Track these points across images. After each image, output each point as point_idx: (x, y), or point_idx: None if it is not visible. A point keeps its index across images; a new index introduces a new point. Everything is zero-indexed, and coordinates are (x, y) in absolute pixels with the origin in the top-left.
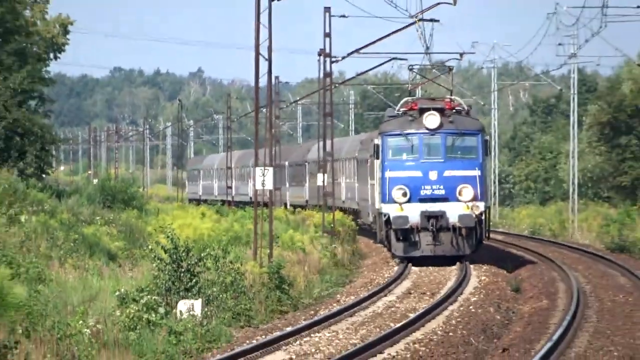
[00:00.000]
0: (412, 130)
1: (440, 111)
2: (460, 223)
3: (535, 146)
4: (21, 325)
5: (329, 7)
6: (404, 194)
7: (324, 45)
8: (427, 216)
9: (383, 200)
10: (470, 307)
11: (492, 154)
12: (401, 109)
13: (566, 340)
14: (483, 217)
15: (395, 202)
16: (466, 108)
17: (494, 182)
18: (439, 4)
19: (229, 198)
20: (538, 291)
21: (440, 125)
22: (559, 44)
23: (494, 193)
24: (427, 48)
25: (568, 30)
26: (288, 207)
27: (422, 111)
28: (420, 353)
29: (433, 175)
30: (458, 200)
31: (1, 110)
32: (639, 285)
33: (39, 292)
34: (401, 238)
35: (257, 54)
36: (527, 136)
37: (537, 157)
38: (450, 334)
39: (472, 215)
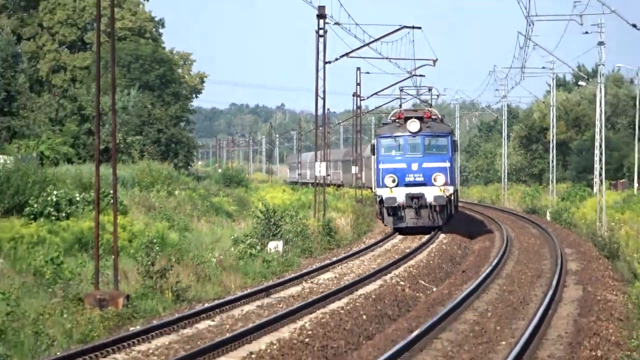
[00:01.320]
0: (399, 133)
1: (420, 119)
2: (435, 202)
3: (481, 150)
4: (174, 257)
5: (359, 67)
6: (393, 181)
7: (356, 90)
8: (410, 197)
9: (377, 185)
10: (443, 247)
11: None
12: (391, 118)
13: (500, 265)
14: (452, 197)
15: (386, 186)
16: (440, 117)
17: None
18: (424, 65)
19: (304, 180)
20: (483, 237)
21: (420, 129)
22: (496, 90)
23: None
24: (417, 91)
25: (501, 81)
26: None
27: (407, 119)
28: (413, 273)
29: (415, 166)
30: (433, 185)
31: (165, 128)
32: (542, 233)
33: (185, 237)
34: (391, 213)
35: (317, 96)
36: (477, 144)
37: (482, 157)
38: (431, 261)
39: (444, 196)
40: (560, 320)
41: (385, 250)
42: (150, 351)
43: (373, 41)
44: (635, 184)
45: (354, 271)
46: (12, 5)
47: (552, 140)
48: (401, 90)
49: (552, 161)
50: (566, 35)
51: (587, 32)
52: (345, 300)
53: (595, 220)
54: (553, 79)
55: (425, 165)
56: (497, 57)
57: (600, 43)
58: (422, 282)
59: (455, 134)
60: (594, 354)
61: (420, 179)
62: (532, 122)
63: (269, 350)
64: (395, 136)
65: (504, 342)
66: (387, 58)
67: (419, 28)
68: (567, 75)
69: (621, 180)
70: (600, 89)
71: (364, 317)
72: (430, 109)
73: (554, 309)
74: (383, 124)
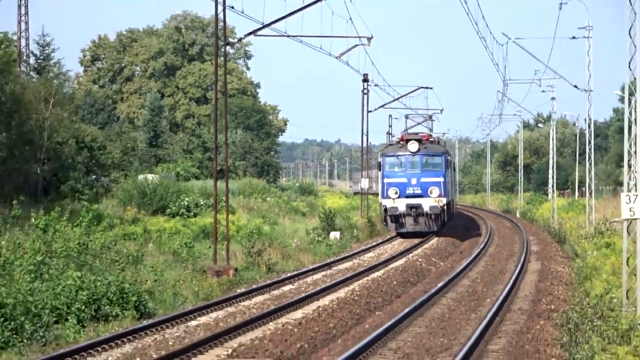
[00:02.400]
0: (401, 153)
1: (419, 141)
2: (430, 211)
3: (473, 170)
4: (267, 242)
5: (391, 114)
6: (396, 193)
7: (389, 130)
8: (410, 207)
9: (382, 197)
10: (447, 234)
11: (455, 170)
12: (396, 139)
13: (485, 248)
14: (446, 207)
15: (390, 198)
16: (437, 139)
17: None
18: (435, 113)
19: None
20: (474, 228)
21: (419, 150)
22: (482, 130)
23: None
24: (430, 129)
25: (486, 124)
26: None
27: (408, 140)
28: (427, 253)
29: (414, 181)
30: (429, 197)
31: (260, 156)
32: (513, 226)
33: (274, 229)
34: (394, 220)
35: (362, 134)
36: (469, 166)
37: (473, 175)
38: (439, 245)
39: (438, 206)
40: (526, 285)
41: (405, 241)
42: (251, 305)
43: (399, 97)
44: (576, 194)
45: (387, 252)
46: (158, 74)
47: (520, 164)
48: (407, 117)
49: (520, 178)
50: (530, 92)
51: (543, 91)
52: (381, 271)
53: (549, 217)
54: (521, 122)
55: (422, 180)
56: (484, 106)
57: (553, 98)
58: (434, 259)
59: (449, 153)
60: (549, 307)
61: (419, 191)
62: (506, 152)
63: (331, 305)
64: (398, 155)
65: (488, 299)
66: (409, 108)
67: (431, 88)
68: (531, 120)
69: (566, 191)
70: (553, 129)
71: (395, 282)
72: (429, 133)
73: (521, 277)
74: (388, 144)
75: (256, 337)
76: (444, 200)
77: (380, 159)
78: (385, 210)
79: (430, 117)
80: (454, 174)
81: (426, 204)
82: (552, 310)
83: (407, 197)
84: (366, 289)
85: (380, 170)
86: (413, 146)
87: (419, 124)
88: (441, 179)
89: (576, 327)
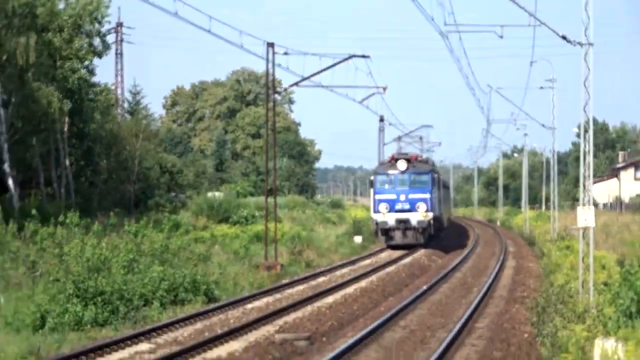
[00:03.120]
0: (391, 171)
1: (408, 160)
2: (418, 225)
3: (463, 190)
4: (305, 244)
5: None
6: (386, 208)
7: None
8: (399, 221)
9: (374, 211)
10: (444, 239)
11: (450, 189)
12: (387, 159)
13: (474, 249)
14: (432, 221)
15: (380, 212)
16: (425, 159)
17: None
18: (433, 146)
19: None
20: (464, 233)
21: (407, 168)
22: (471, 158)
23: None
24: (421, 150)
25: (474, 155)
26: None
27: (397, 160)
28: (429, 252)
29: (402, 197)
30: (417, 211)
31: (301, 178)
32: (495, 232)
33: (311, 234)
34: (384, 234)
35: (378, 163)
36: (461, 186)
37: (464, 193)
38: (438, 247)
39: (425, 220)
40: (504, 277)
41: (393, 252)
42: (294, 293)
43: (408, 132)
44: (543, 207)
45: (398, 252)
46: (223, 115)
47: (500, 185)
48: (399, 138)
49: (500, 195)
50: (507, 130)
51: (518, 129)
52: (393, 266)
53: (522, 225)
54: (501, 153)
55: (411, 196)
56: (472, 139)
57: (525, 134)
58: (434, 257)
59: (437, 172)
60: (522, 294)
61: (407, 206)
62: (490, 175)
63: (354, 292)
64: (388, 173)
65: (475, 288)
66: (416, 141)
67: (431, 126)
68: (508, 150)
69: (536, 205)
70: (525, 158)
71: (403, 275)
72: (418, 153)
73: (501, 271)
74: (380, 163)
75: (297, 317)
76: (430, 215)
77: (372, 177)
78: (377, 224)
79: (421, 138)
80: (446, 191)
81: (414, 218)
82: (525, 297)
83: (397, 211)
84: (382, 280)
85: (371, 187)
86: (402, 165)
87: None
88: (428, 195)
89: (543, 310)
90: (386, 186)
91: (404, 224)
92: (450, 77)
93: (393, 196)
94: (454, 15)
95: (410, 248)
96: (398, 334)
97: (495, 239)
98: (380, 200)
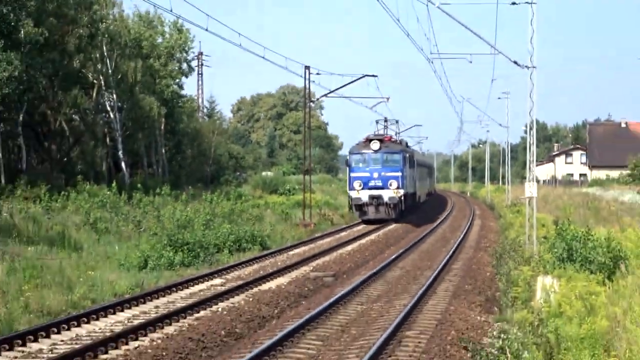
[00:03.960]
0: (365, 151)
1: (381, 140)
2: (389, 201)
3: (443, 170)
4: (331, 209)
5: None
6: (360, 185)
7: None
8: (372, 197)
9: (349, 189)
10: (427, 204)
11: (433, 169)
12: (362, 140)
13: (450, 213)
14: (404, 198)
15: (355, 189)
16: (399, 140)
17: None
18: (423, 139)
19: None
20: (443, 202)
21: (380, 148)
22: (449, 148)
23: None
24: (397, 133)
25: (451, 145)
26: None
27: (371, 140)
28: (407, 222)
29: (376, 175)
30: (389, 188)
31: (328, 162)
32: (466, 200)
33: (335, 201)
34: (358, 209)
35: None
36: (442, 168)
37: (443, 172)
38: (423, 214)
39: (396, 197)
40: (472, 234)
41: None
42: (323, 243)
43: (404, 130)
44: (500, 183)
45: (356, 232)
46: (273, 117)
47: (470, 167)
48: (377, 122)
49: (470, 174)
50: (475, 128)
51: (482, 127)
52: (393, 225)
53: (486, 195)
54: (470, 144)
55: (383, 174)
56: (451, 134)
57: (487, 131)
58: (425, 219)
59: (409, 152)
60: (486, 245)
61: (380, 184)
62: (462, 160)
63: (366, 242)
64: (362, 152)
65: (452, 240)
66: (410, 137)
67: (421, 125)
68: (476, 142)
69: (495, 181)
70: (487, 148)
71: (401, 231)
72: (391, 135)
73: (470, 228)
74: (356, 144)
75: (326, 260)
76: (401, 192)
77: (348, 157)
78: (351, 200)
79: (397, 121)
80: (424, 170)
81: (386, 194)
82: (487, 246)
83: (370, 188)
84: (385, 235)
85: (347, 166)
86: (375, 145)
87: (385, 127)
88: (399, 173)
89: (500, 256)
90: (360, 165)
91: (376, 200)
92: (434, 90)
93: (367, 174)
94: (437, 47)
95: (382, 222)
96: (397, 272)
97: (466, 205)
98: (355, 178)
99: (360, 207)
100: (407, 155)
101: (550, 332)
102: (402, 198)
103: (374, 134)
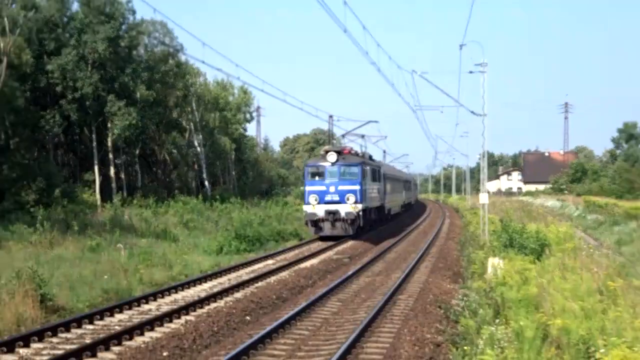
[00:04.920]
0: (321, 163)
1: (338, 153)
2: (346, 216)
3: (423, 185)
4: None
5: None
6: (316, 199)
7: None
8: (328, 212)
9: (305, 203)
10: (411, 208)
11: (411, 183)
12: (321, 152)
13: (429, 214)
14: (362, 213)
15: (310, 204)
16: (357, 152)
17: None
18: (404, 155)
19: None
20: (421, 206)
21: (337, 160)
22: (428, 170)
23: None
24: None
25: (429, 168)
26: None
27: (327, 152)
28: (396, 221)
29: (332, 189)
30: (346, 203)
31: None
32: (441, 206)
33: None
34: (313, 225)
35: None
36: (422, 184)
37: (424, 186)
38: (407, 217)
39: (354, 212)
40: (444, 230)
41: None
42: None
43: (395, 159)
44: (463, 194)
45: (312, 249)
46: (308, 150)
47: (441, 183)
48: (343, 137)
49: (442, 188)
50: (446, 156)
51: (450, 155)
52: (386, 225)
53: (453, 202)
54: (442, 167)
55: (340, 187)
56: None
57: (454, 159)
58: (407, 221)
59: (370, 165)
60: (454, 237)
61: (337, 198)
62: (437, 178)
63: (370, 236)
64: (318, 165)
65: (429, 234)
66: (396, 160)
67: (407, 155)
68: (446, 166)
69: (459, 192)
70: (454, 170)
71: (393, 230)
72: (351, 147)
73: (442, 226)
74: (313, 157)
75: (344, 247)
76: (360, 207)
77: (304, 170)
78: (307, 215)
79: (362, 136)
80: (397, 183)
81: (343, 209)
82: (454, 237)
83: (326, 203)
84: (383, 230)
85: (304, 179)
86: (332, 157)
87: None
88: (357, 187)
89: (463, 244)
90: (316, 178)
91: (332, 215)
92: (417, 129)
93: (323, 188)
94: (419, 101)
95: (338, 240)
96: (392, 255)
97: (440, 209)
98: (311, 192)
99: (315, 222)
100: (369, 168)
101: (497, 296)
102: (360, 213)
103: (331, 146)
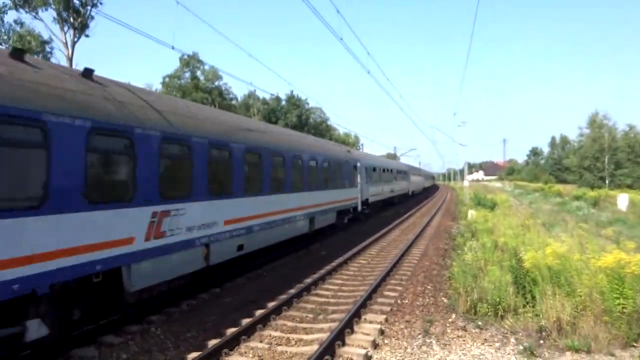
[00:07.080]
0: None
1: None
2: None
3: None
4: None
5: None
6: None
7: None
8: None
9: None
10: (421, 195)
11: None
12: None
13: (423, 206)
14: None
15: None
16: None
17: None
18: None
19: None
20: (429, 193)
21: None
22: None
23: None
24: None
25: (439, 157)
26: None
27: None
28: (407, 207)
29: None
30: None
31: None
32: (446, 187)
33: None
34: None
35: None
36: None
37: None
38: (414, 199)
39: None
40: (438, 216)
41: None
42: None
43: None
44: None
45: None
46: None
47: (447, 177)
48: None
49: (451, 178)
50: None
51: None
52: (390, 211)
53: (454, 185)
54: (447, 169)
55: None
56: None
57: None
58: (410, 203)
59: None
60: (449, 224)
61: None
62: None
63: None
64: None
65: (425, 218)
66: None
67: (416, 148)
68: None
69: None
70: (452, 171)
71: (391, 215)
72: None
73: (439, 212)
74: None
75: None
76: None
77: None
78: None
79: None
80: (386, 175)
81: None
82: (453, 200)
83: None
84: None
85: None
86: None
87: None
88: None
89: (457, 204)
90: None
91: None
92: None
93: None
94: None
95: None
96: (393, 236)
97: (447, 188)
98: None
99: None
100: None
101: (474, 227)
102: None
103: None
